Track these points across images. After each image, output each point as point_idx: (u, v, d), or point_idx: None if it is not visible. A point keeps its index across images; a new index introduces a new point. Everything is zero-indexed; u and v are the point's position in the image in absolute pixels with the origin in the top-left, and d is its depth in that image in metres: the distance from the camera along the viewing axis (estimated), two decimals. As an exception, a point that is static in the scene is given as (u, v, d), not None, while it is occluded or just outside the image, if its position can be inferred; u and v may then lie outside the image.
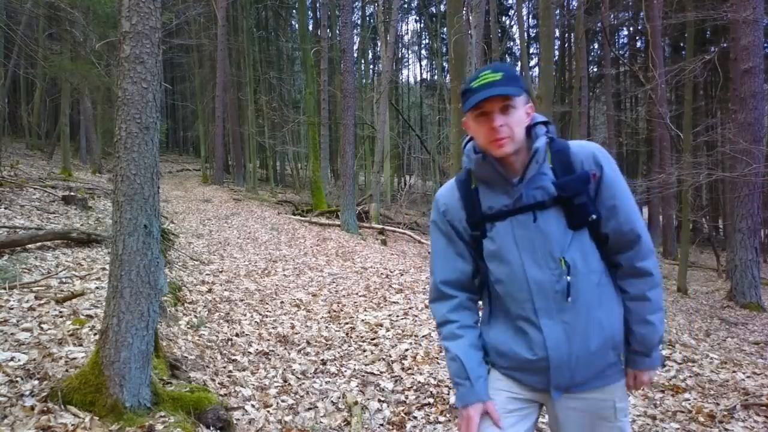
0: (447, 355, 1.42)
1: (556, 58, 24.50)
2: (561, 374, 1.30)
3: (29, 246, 4.77)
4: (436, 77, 28.59)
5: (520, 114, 1.28)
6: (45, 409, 2.10)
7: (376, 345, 4.05)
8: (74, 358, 2.59)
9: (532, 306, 1.30)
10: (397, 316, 4.79)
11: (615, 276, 1.35)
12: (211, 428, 2.37)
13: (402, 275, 6.64)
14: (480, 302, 1.49)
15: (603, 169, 1.29)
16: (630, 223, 1.29)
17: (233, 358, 3.61)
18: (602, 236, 1.31)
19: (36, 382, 2.31)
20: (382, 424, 2.83)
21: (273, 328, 4.39)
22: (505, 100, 1.24)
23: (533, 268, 1.29)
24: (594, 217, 1.29)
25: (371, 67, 29.65)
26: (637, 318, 1.31)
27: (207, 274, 6.15)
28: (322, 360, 3.75)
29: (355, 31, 23.70)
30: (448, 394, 3.10)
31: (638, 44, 25.03)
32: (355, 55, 19.19)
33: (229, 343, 3.87)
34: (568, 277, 1.27)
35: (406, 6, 28.76)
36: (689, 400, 2.96)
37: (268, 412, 2.88)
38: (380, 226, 13.11)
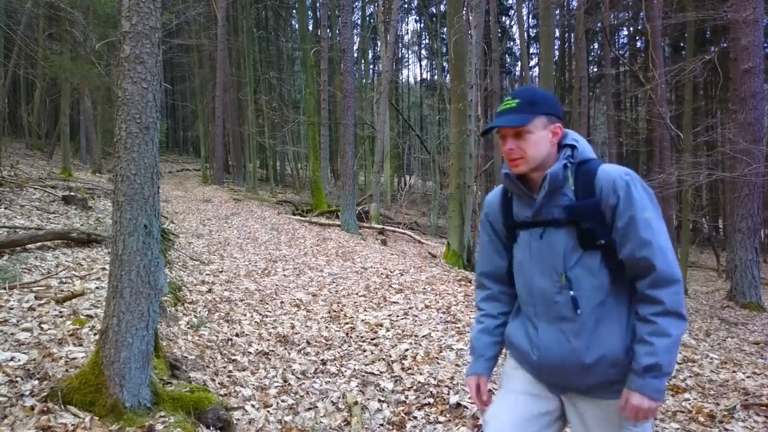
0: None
1: (556, 58, 24.49)
2: (551, 376, 1.42)
3: (29, 246, 4.77)
4: (436, 77, 28.59)
5: (537, 137, 1.39)
6: (45, 409, 2.10)
7: (376, 345, 4.05)
8: (74, 358, 2.59)
9: (534, 310, 1.44)
10: (397, 316, 4.79)
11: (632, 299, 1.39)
12: (211, 428, 2.37)
13: (402, 275, 6.64)
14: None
15: (620, 198, 1.32)
16: (640, 253, 1.31)
17: (233, 358, 3.61)
18: (619, 260, 1.35)
19: (36, 382, 2.31)
20: (382, 424, 2.83)
21: (273, 328, 4.39)
22: (515, 128, 1.38)
23: (539, 277, 1.42)
24: (602, 242, 1.35)
25: (371, 67, 29.66)
26: (639, 338, 1.33)
27: (207, 274, 6.15)
28: (322, 360, 3.75)
29: (355, 31, 23.72)
30: (448, 394, 3.10)
31: (638, 44, 25.03)
32: (355, 55, 19.20)
33: (229, 343, 3.87)
34: (572, 292, 1.35)
35: (406, 6, 28.75)
36: (689, 400, 2.96)
37: (268, 412, 2.88)
38: (380, 226, 13.11)
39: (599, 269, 1.35)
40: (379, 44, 26.85)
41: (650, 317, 1.31)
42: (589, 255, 1.36)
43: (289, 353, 3.85)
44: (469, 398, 3.04)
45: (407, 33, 37.73)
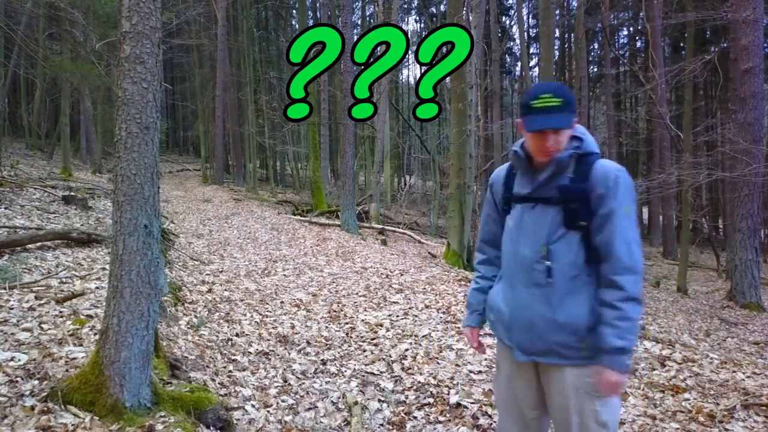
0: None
1: (556, 58, 24.49)
2: (520, 334, 1.62)
3: (29, 246, 4.77)
4: (436, 77, 28.47)
5: (568, 132, 1.57)
6: (45, 409, 2.10)
7: (376, 345, 4.05)
8: (74, 358, 2.59)
9: (514, 274, 1.64)
10: (397, 316, 4.79)
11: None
12: (211, 428, 2.37)
13: (402, 275, 6.64)
14: None
15: (608, 188, 1.51)
16: (612, 240, 1.50)
17: (233, 358, 3.61)
18: (593, 244, 1.54)
19: (36, 382, 2.31)
20: (382, 424, 2.83)
21: (273, 328, 4.39)
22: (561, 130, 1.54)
23: (524, 247, 1.60)
24: (583, 223, 1.54)
25: (371, 67, 29.57)
26: (605, 320, 1.51)
27: (207, 274, 6.15)
28: (322, 360, 3.75)
29: (355, 31, 23.70)
30: (448, 394, 3.10)
31: (638, 44, 25.03)
32: (355, 55, 19.14)
33: (229, 343, 3.87)
34: (548, 262, 1.55)
35: (406, 6, 28.75)
36: (689, 400, 2.96)
37: (268, 412, 2.88)
38: (380, 226, 13.11)
39: (577, 248, 1.55)
40: (379, 44, 26.80)
41: (615, 303, 1.49)
42: (570, 234, 1.55)
43: (289, 353, 3.85)
44: (470, 399, 3.04)
45: (407, 33, 37.68)
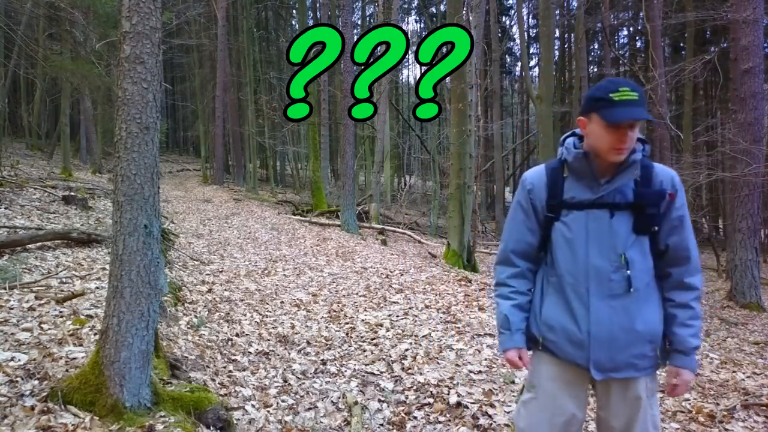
0: (497, 308, 1.72)
1: (556, 58, 24.48)
2: (600, 351, 1.50)
3: (29, 246, 4.77)
4: (436, 77, 28.46)
5: (635, 135, 1.49)
6: (45, 409, 2.10)
7: (376, 345, 4.05)
8: (74, 358, 2.59)
9: (586, 288, 1.51)
10: (397, 316, 4.79)
11: (661, 285, 1.56)
12: (211, 428, 2.37)
13: (402, 275, 6.64)
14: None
15: (678, 192, 1.51)
16: (686, 242, 1.52)
17: (233, 358, 3.61)
18: (660, 248, 1.53)
19: (36, 382, 2.31)
20: (382, 424, 2.83)
21: (273, 328, 4.39)
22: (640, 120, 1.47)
23: (596, 257, 1.51)
24: (656, 228, 1.51)
25: (371, 67, 29.58)
26: (680, 322, 1.51)
27: (207, 274, 6.15)
28: (322, 360, 3.75)
29: (355, 31, 23.69)
30: (448, 394, 3.10)
31: (638, 44, 25.02)
32: (355, 55, 19.13)
33: (229, 343, 3.87)
34: (628, 271, 1.48)
35: (406, 6, 28.75)
36: (689, 400, 2.96)
37: (268, 412, 2.88)
38: (380, 226, 13.11)
39: (647, 253, 1.52)
40: (379, 44, 26.82)
41: (690, 303, 1.50)
42: (640, 239, 1.51)
43: (289, 353, 3.85)
44: (470, 399, 3.04)
45: (407, 33, 37.67)
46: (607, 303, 1.49)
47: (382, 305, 5.21)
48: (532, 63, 27.31)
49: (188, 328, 3.92)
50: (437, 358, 3.71)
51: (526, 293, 1.68)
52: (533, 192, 1.63)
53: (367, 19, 27.55)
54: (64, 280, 3.99)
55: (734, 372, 3.39)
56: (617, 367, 1.50)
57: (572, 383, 1.59)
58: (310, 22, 24.04)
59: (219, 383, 3.10)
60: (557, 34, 24.13)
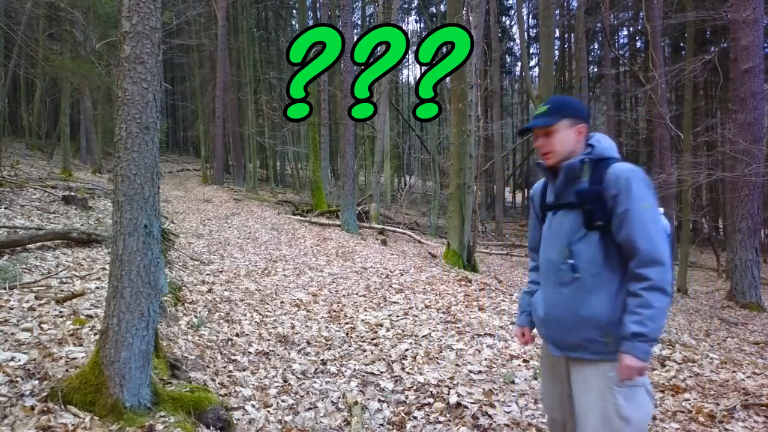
0: None
1: (556, 58, 24.49)
2: (554, 330, 1.75)
3: (29, 246, 4.77)
4: (436, 77, 28.43)
5: (563, 135, 1.73)
6: (45, 409, 2.10)
7: (376, 345, 4.05)
8: (74, 358, 2.59)
9: (546, 276, 1.79)
10: (397, 316, 4.79)
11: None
12: (211, 428, 2.37)
13: (402, 275, 6.64)
14: None
15: (620, 189, 1.59)
16: (632, 235, 1.58)
17: (233, 358, 3.61)
18: (617, 242, 1.63)
19: (36, 382, 2.31)
20: (382, 424, 2.83)
21: (273, 328, 4.39)
22: (544, 128, 1.74)
23: (552, 250, 1.75)
24: (600, 223, 1.63)
25: (371, 67, 29.56)
26: (628, 309, 1.58)
27: (207, 274, 6.15)
28: (322, 360, 3.75)
29: (355, 31, 23.67)
30: (448, 394, 3.10)
31: (638, 44, 25.02)
32: (355, 55, 19.12)
33: (229, 343, 3.87)
34: (571, 261, 1.67)
35: (406, 6, 28.75)
36: (689, 400, 2.96)
37: (268, 412, 2.88)
38: (380, 226, 13.11)
39: (596, 247, 1.64)
40: (379, 44, 26.81)
41: (638, 291, 1.56)
42: (590, 234, 1.65)
43: (289, 353, 3.85)
44: (470, 399, 3.04)
45: (407, 33, 37.68)
46: (558, 290, 1.72)
47: (382, 305, 5.21)
48: (532, 63, 27.33)
49: (188, 328, 3.92)
50: (437, 358, 3.71)
51: (539, 283, 1.91)
52: (533, 198, 1.96)
53: (367, 19, 27.56)
54: (64, 280, 3.99)
55: (734, 372, 3.39)
56: (570, 346, 1.70)
57: (554, 364, 1.84)
58: (310, 22, 24.04)
59: (219, 383, 3.10)
60: (557, 34, 24.14)
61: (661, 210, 1.74)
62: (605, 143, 1.73)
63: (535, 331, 1.96)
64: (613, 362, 1.60)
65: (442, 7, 24.16)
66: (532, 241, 2.01)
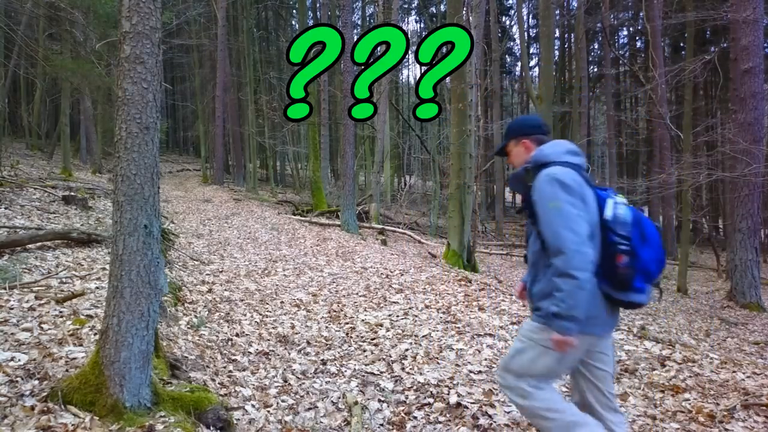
0: None
1: (556, 58, 24.49)
2: (530, 300, 2.12)
3: (29, 246, 4.77)
4: (436, 77, 28.40)
5: (514, 152, 2.19)
6: (45, 409, 2.10)
7: (376, 345, 4.05)
8: (74, 358, 2.59)
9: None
10: (397, 316, 4.79)
11: None
12: (211, 428, 2.37)
13: (402, 275, 6.64)
14: None
15: (536, 195, 1.94)
16: (544, 232, 1.91)
17: (233, 358, 3.61)
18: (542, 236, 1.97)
19: (36, 382, 2.31)
20: (382, 424, 2.83)
21: (273, 328, 4.39)
22: (503, 149, 2.24)
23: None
24: (532, 220, 1.99)
25: (371, 67, 29.56)
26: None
27: (207, 274, 6.15)
28: (322, 360, 3.75)
29: (355, 31, 23.68)
30: (448, 394, 3.10)
31: (638, 44, 25.03)
32: (355, 55, 19.12)
33: (229, 343, 3.87)
34: (526, 252, 2.13)
35: (406, 6, 28.76)
36: (689, 400, 2.96)
37: (268, 412, 2.88)
38: (380, 226, 13.11)
39: (535, 240, 2.02)
40: (379, 44, 26.80)
41: (552, 278, 1.88)
42: (534, 230, 2.01)
43: (289, 353, 3.85)
44: (470, 399, 3.04)
45: (407, 33, 37.66)
46: (528, 270, 2.12)
47: (382, 305, 5.21)
48: (532, 63, 27.33)
49: (188, 328, 3.92)
50: (437, 358, 3.71)
51: None
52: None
53: (367, 19, 27.55)
54: (64, 280, 3.99)
55: (734, 372, 3.39)
56: (532, 308, 2.10)
57: None
58: (310, 22, 24.04)
59: (219, 383, 3.10)
60: (557, 34, 24.15)
61: (621, 199, 1.97)
62: (546, 150, 2.03)
63: None
64: (536, 323, 2.00)
65: (442, 7, 24.18)
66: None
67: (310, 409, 2.99)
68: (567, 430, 1.92)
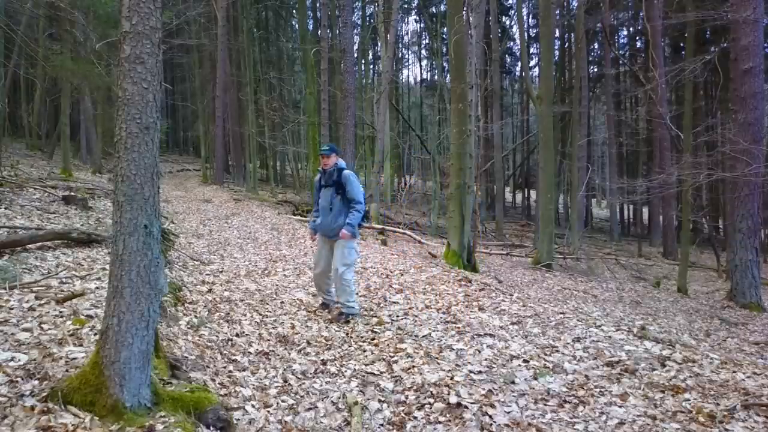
0: None
1: (556, 58, 24.48)
2: (324, 230, 4.80)
3: (29, 246, 4.77)
4: (436, 77, 28.60)
5: (332, 159, 4.74)
6: (45, 409, 2.10)
7: (376, 345, 4.05)
8: (74, 358, 2.59)
9: (323, 211, 4.86)
10: (397, 316, 4.80)
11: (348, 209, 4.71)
12: (211, 428, 2.37)
13: (402, 275, 6.64)
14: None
15: (345, 179, 4.66)
16: (351, 195, 4.64)
17: (233, 358, 3.61)
18: (347, 198, 4.65)
19: (36, 382, 2.31)
20: (382, 424, 2.83)
21: (273, 328, 4.39)
22: (327, 155, 4.76)
23: (324, 201, 4.84)
24: (340, 192, 4.66)
25: (371, 67, 29.63)
26: (348, 217, 4.67)
27: (207, 274, 6.15)
28: (322, 360, 3.75)
29: (355, 31, 23.71)
30: (448, 394, 3.10)
31: (638, 44, 25.04)
32: (355, 55, 19.17)
33: (230, 343, 3.87)
34: (331, 206, 4.71)
35: (406, 6, 28.75)
36: (689, 400, 2.96)
37: (268, 412, 2.88)
38: (380, 226, 13.11)
39: (341, 201, 4.67)
40: (379, 44, 26.81)
41: (352, 210, 4.63)
42: (337, 196, 4.68)
43: (289, 353, 3.85)
44: (470, 399, 3.04)
45: (407, 33, 37.70)
46: (327, 216, 4.74)
47: (382, 305, 5.21)
48: (532, 63, 27.32)
49: (188, 328, 3.92)
50: (437, 358, 3.71)
51: (317, 215, 4.94)
52: (316, 182, 4.99)
53: (367, 19, 27.54)
54: (64, 280, 3.99)
55: (734, 372, 3.39)
56: (329, 235, 4.74)
57: (324, 243, 4.84)
58: (311, 22, 24.05)
59: (219, 383, 3.10)
60: (557, 34, 24.11)
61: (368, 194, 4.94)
62: (341, 164, 4.73)
63: (316, 233, 4.97)
64: (341, 239, 4.59)
65: (442, 7, 24.17)
66: (316, 198, 4.95)
67: (310, 409, 2.99)
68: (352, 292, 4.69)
